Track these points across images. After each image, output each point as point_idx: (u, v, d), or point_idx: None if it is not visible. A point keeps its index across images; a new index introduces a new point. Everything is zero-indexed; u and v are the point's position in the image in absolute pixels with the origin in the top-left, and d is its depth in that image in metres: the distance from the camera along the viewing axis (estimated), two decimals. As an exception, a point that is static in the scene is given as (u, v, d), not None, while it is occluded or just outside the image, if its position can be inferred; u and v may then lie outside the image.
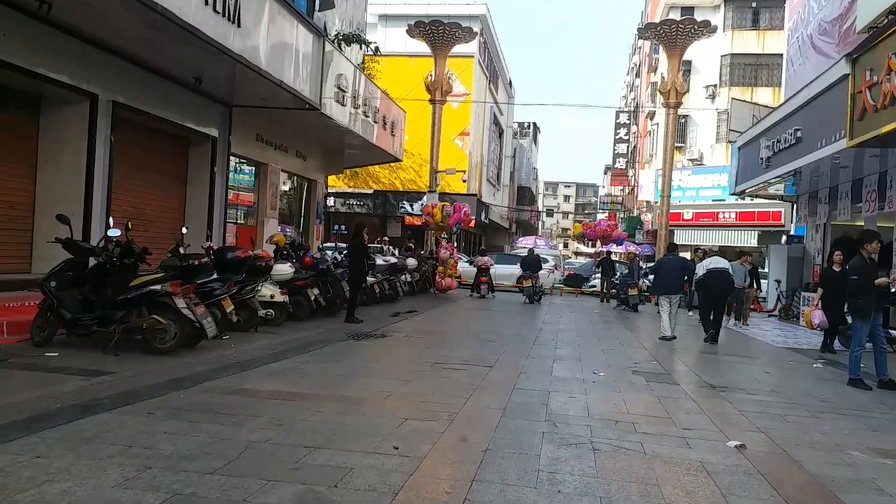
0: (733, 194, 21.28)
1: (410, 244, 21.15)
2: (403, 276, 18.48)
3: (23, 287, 9.05)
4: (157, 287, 7.43)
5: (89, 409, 4.99)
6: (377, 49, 22.41)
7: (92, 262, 7.93)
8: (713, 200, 36.03)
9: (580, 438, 4.94)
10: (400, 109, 21.11)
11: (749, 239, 34.44)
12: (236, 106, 14.37)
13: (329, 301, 12.57)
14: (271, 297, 10.26)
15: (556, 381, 7.28)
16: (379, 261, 15.54)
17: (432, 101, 23.92)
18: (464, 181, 23.61)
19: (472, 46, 36.16)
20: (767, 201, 33.32)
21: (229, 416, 5.01)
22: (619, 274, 20.31)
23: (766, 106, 22.27)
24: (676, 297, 12.85)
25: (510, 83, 46.91)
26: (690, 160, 37.80)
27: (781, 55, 36.84)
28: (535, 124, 58.28)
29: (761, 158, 17.13)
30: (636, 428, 5.37)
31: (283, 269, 10.59)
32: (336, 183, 36.06)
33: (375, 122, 18.43)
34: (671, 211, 38.89)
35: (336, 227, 38.02)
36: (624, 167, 48.84)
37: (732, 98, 20.79)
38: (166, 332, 7.37)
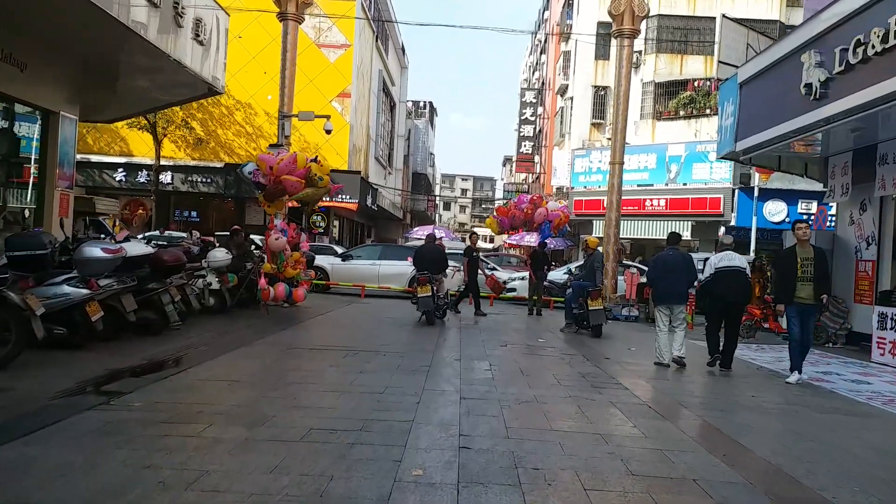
0: (723, 158, 14.17)
1: (237, 227, 12.45)
2: (203, 281, 9.90)
3: None
4: None
5: None
6: None
7: None
8: (639, 186, 29.48)
9: None
10: (218, 7, 12.31)
11: (681, 230, 28.00)
12: None
13: None
14: None
15: None
16: (92, 251, 6.75)
17: (282, 17, 15.22)
18: (327, 131, 15.03)
19: (354, -14, 27.65)
20: (703, 187, 27.21)
21: None
22: (568, 274, 12.43)
23: (765, 34, 15.24)
24: (681, 308, 8.67)
25: (403, 50, 38.63)
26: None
27: (714, 18, 31.08)
28: (431, 104, 50.21)
29: (807, 86, 9.84)
30: None
31: None
32: (175, 153, 26.50)
33: (155, 4, 9.67)
34: (587, 199, 32.24)
35: (177, 211, 28.46)
36: (530, 152, 41.90)
37: (723, 15, 13.76)
38: None
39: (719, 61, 13.81)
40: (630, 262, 18.50)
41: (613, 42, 31.43)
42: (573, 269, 14.22)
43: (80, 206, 17.94)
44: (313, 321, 10.91)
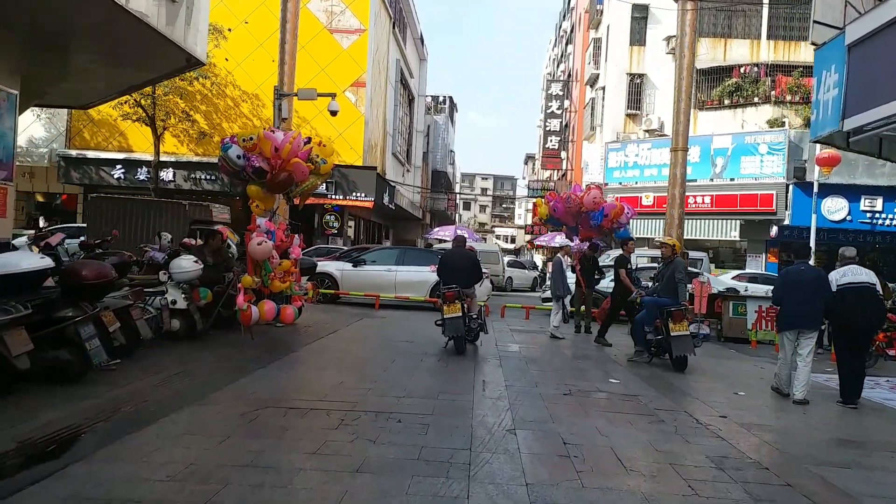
0: (816, 141, 11.33)
1: (216, 229, 9.90)
2: (162, 299, 7.39)
3: None
4: None
5: None
6: None
7: None
8: (680, 181, 26.36)
9: None
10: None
11: (729, 230, 25.18)
12: None
13: None
14: None
15: None
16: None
17: (281, -19, 12.72)
18: (332, 111, 12.46)
19: (368, -35, 25.03)
20: (753, 182, 24.24)
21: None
22: (637, 286, 9.62)
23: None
24: (813, 335, 6.74)
25: (422, 40, 36.00)
26: (647, 131, 28.25)
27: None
28: (451, 99, 47.44)
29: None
30: None
31: None
32: (177, 149, 24.14)
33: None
34: (623, 196, 29.28)
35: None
36: (556, 147, 39.03)
37: (820, -37, 11.07)
38: None
39: (815, 21, 10.99)
40: (697, 270, 15.68)
41: (649, 25, 28.62)
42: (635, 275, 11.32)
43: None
44: (309, 349, 8.31)
